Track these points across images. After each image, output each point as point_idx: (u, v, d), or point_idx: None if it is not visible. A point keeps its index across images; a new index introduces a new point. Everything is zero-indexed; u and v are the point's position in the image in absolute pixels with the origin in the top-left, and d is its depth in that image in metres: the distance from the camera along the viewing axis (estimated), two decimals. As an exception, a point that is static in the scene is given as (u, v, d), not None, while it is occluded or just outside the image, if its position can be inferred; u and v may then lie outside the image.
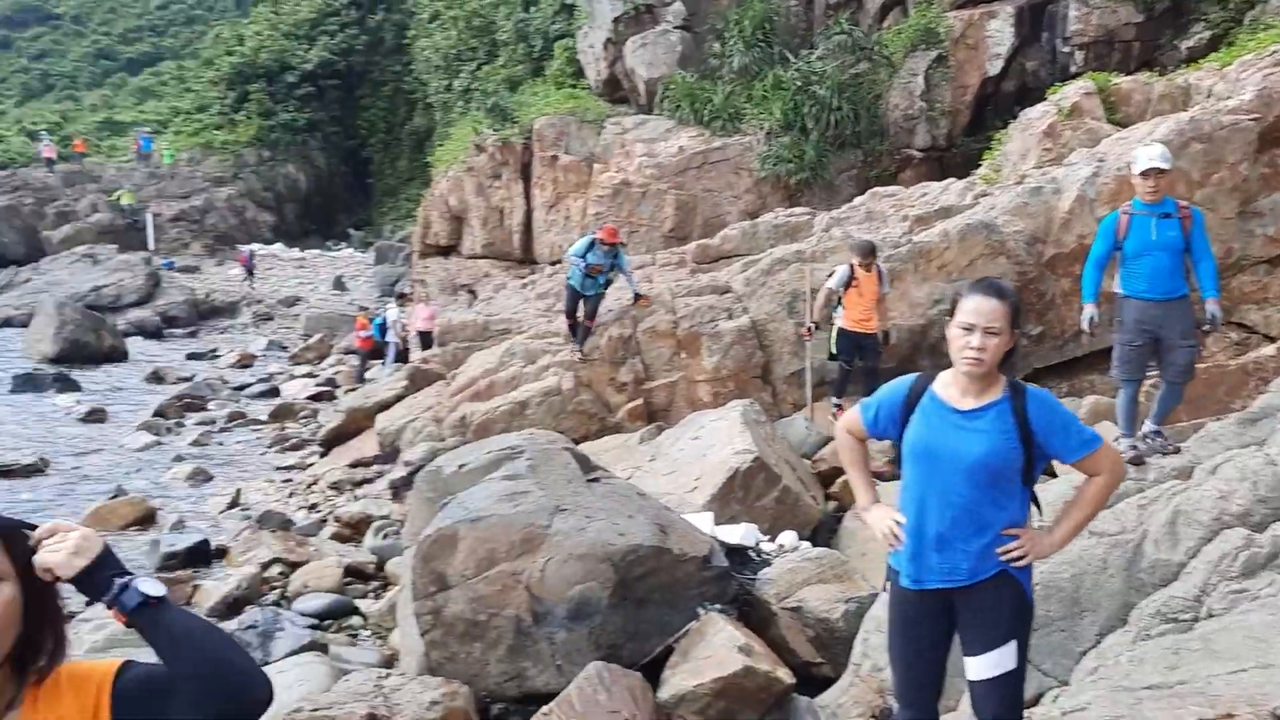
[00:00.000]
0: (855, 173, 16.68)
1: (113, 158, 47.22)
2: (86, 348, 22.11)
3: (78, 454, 13.81)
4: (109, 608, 1.53)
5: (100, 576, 1.54)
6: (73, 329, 22.29)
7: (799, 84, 16.98)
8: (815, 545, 6.65)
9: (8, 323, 26.51)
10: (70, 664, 1.60)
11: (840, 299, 8.92)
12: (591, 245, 10.75)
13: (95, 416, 16.24)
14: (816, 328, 9.30)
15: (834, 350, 9.13)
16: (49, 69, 77.83)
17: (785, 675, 4.91)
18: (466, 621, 5.19)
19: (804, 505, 7.36)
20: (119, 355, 22.77)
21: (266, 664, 5.84)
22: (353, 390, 17.14)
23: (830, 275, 9.12)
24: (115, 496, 11.02)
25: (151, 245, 36.22)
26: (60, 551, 1.52)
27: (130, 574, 1.56)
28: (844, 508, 7.64)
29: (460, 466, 6.50)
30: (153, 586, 1.55)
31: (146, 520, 10.35)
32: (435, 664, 5.19)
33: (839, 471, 7.89)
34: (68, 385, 18.68)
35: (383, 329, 18.52)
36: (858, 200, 13.63)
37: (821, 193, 16.35)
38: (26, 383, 18.49)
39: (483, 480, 5.96)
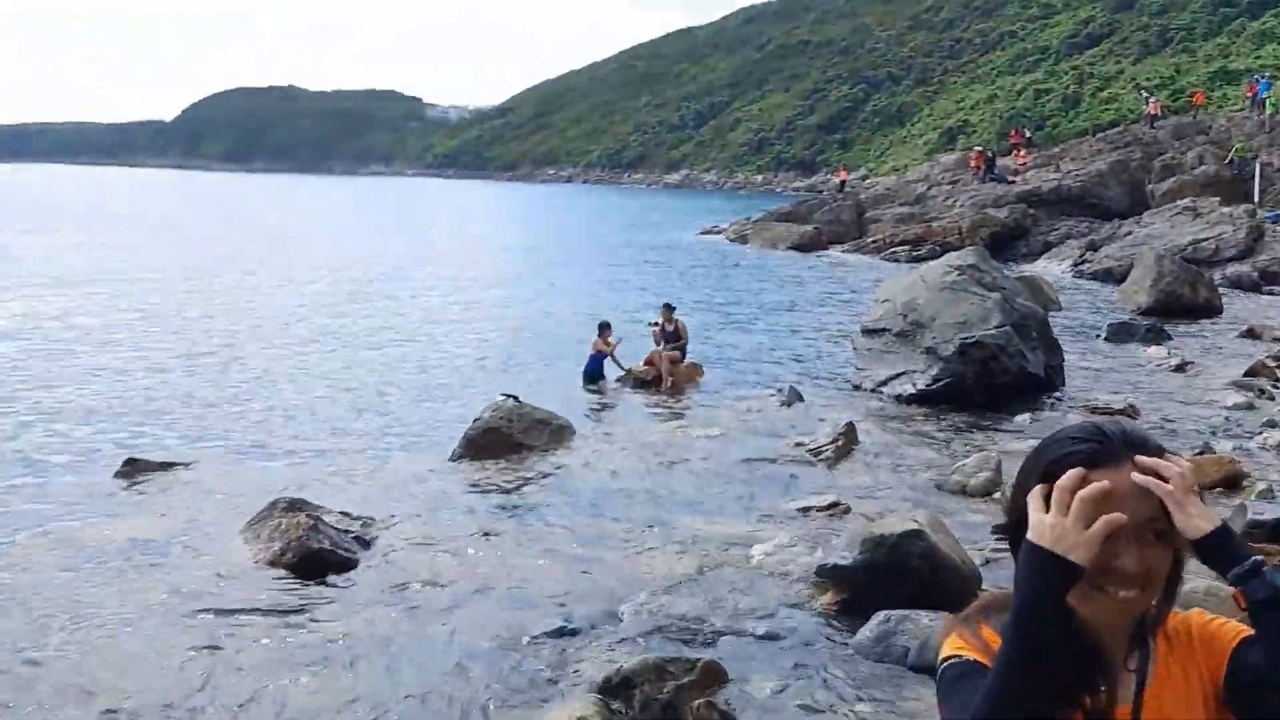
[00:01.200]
0: None
1: (1223, 108, 46.15)
2: (1180, 300, 22.24)
3: (1162, 403, 13.87)
4: (1233, 585, 1.45)
5: (1229, 546, 1.45)
6: (1169, 281, 22.58)
7: None
8: None
9: (1108, 274, 28.04)
10: (1201, 617, 1.62)
11: None
12: None
13: (1184, 369, 16.16)
14: None
15: None
16: (1167, 24, 79.32)
17: None
18: None
19: None
20: (1212, 310, 22.40)
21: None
22: None
23: None
24: (1201, 453, 10.75)
25: (1256, 197, 34.48)
26: (1190, 512, 1.43)
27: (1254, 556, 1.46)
28: None
29: None
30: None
31: (1232, 483, 9.81)
32: None
33: None
34: (1159, 336, 18.93)
35: None
36: None
37: None
38: (1121, 331, 19.32)
39: None
